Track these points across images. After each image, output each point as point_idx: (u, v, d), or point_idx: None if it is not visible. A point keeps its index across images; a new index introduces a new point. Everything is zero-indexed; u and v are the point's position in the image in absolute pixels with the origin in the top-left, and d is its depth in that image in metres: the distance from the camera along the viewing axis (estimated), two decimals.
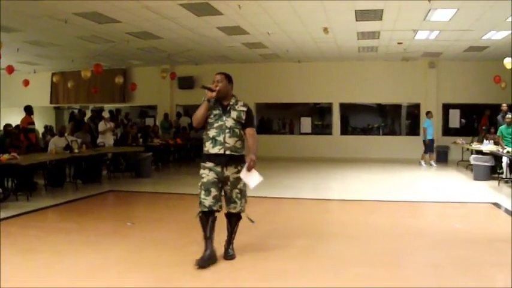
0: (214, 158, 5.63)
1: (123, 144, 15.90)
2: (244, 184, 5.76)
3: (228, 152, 5.62)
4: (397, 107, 22.58)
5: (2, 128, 12.91)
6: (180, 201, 10.91)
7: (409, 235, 7.38)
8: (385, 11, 12.05)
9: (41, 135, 17.95)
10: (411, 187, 12.90)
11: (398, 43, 16.22)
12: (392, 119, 24.00)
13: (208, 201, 5.58)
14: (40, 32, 14.51)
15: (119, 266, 5.77)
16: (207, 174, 5.64)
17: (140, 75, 23.11)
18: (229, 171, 5.68)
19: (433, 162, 17.62)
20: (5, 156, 10.51)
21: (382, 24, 13.43)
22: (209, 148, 5.65)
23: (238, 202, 5.83)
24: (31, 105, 14.71)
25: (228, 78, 5.90)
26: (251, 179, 5.68)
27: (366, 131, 23.57)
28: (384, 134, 22.93)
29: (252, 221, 6.04)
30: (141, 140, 16.91)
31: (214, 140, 5.63)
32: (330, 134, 21.82)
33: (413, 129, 21.34)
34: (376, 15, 12.48)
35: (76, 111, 23.31)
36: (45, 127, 17.08)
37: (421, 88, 20.31)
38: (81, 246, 6.65)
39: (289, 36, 15.39)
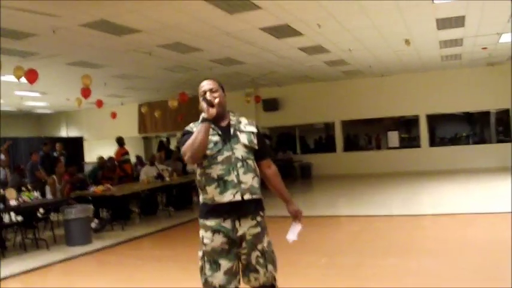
0: (224, 210, 3.62)
1: None
2: (269, 243, 3.81)
3: (247, 197, 3.63)
4: (485, 114, 21.79)
5: (94, 160, 13.37)
6: (270, 224, 10.88)
7: (509, 249, 7.00)
8: (467, 17, 11.75)
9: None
10: (508, 197, 12.43)
11: (483, 48, 15.78)
12: (481, 127, 23.24)
13: (218, 279, 3.58)
14: (126, 65, 14.96)
15: None
16: (211, 238, 3.63)
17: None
18: (245, 226, 3.66)
19: None
20: (100, 188, 10.90)
21: (464, 30, 13.09)
22: (215, 195, 3.62)
23: (261, 270, 3.70)
24: (122, 136, 15.12)
25: (221, 87, 3.94)
26: (293, 230, 4.01)
27: (454, 141, 22.90)
28: (474, 143, 22.21)
29: None
30: None
31: (222, 182, 3.61)
32: (418, 146, 21.31)
33: (505, 135, 20.60)
34: (458, 22, 12.18)
35: (164, 139, 23.86)
36: (137, 157, 17.47)
37: (509, 93, 19.62)
38: (176, 274, 6.76)
39: (371, 51, 15.25)
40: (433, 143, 21.45)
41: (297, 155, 22.59)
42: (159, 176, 12.93)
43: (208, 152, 3.63)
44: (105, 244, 9.22)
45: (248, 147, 3.74)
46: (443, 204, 11.93)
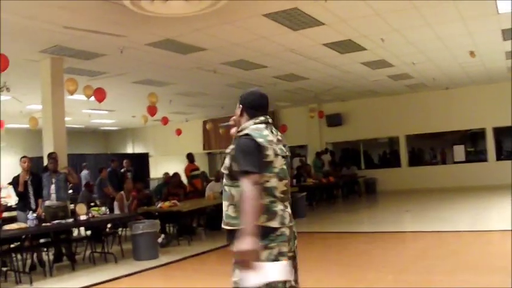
0: None
1: None
2: (235, 283, 3.28)
3: (223, 225, 3.44)
4: None
5: (160, 176, 13.53)
6: (336, 240, 10.83)
7: None
8: None
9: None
10: None
11: None
12: None
13: None
14: (191, 83, 15.20)
15: None
16: None
17: (288, 116, 23.42)
18: None
19: None
20: (166, 204, 11.09)
21: None
22: None
23: None
24: (191, 152, 15.28)
25: (239, 102, 3.52)
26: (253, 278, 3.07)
27: None
28: None
29: None
30: (294, 180, 17.06)
31: None
32: (485, 160, 20.80)
33: None
34: None
35: None
36: (202, 173, 17.65)
37: None
38: None
39: (435, 63, 15.05)
40: (500, 156, 20.87)
41: (361, 171, 22.32)
42: None
43: None
44: (171, 259, 9.35)
45: (226, 174, 3.37)
46: None
